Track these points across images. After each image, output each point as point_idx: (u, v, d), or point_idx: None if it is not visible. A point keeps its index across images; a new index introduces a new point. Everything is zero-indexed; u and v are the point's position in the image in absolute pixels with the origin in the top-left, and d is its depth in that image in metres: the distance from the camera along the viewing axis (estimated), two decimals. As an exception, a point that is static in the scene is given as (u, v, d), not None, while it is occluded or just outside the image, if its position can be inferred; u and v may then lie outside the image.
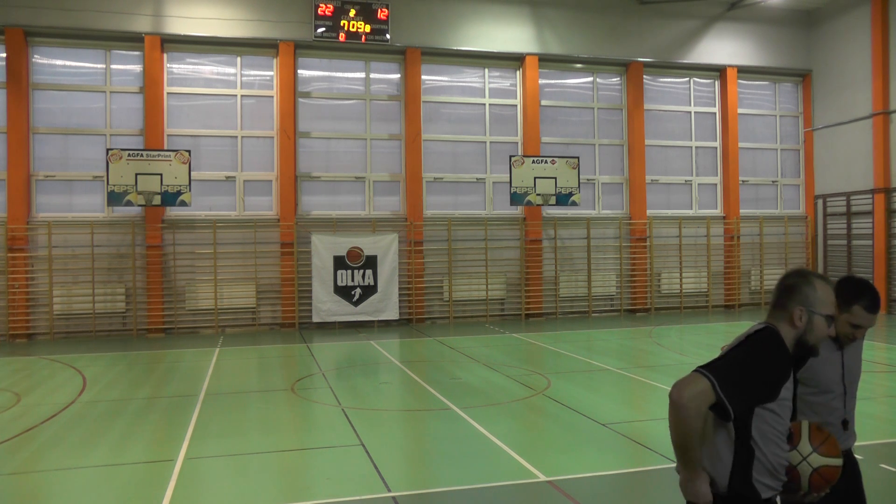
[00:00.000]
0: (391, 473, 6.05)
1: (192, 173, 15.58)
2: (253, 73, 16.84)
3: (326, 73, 17.32)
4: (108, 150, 15.00)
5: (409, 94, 17.25)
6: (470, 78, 18.10)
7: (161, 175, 15.00)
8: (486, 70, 18.11)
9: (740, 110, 19.78)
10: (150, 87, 15.81)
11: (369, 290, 16.39)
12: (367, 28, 16.61)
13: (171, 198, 15.09)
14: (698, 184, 19.65)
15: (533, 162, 17.05)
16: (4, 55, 15.29)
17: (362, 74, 17.46)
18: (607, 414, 7.98)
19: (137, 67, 16.12)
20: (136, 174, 14.89)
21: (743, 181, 19.83)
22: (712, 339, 14.24)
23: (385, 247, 16.51)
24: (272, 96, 16.84)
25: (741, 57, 19.51)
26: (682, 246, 19.08)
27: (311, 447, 6.99)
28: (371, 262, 16.39)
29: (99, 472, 6.32)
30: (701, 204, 19.66)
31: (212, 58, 16.60)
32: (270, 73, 16.88)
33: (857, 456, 3.58)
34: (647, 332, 15.12)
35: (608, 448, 6.77)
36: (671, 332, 15.27)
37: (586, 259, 18.24)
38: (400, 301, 16.73)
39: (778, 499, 2.68)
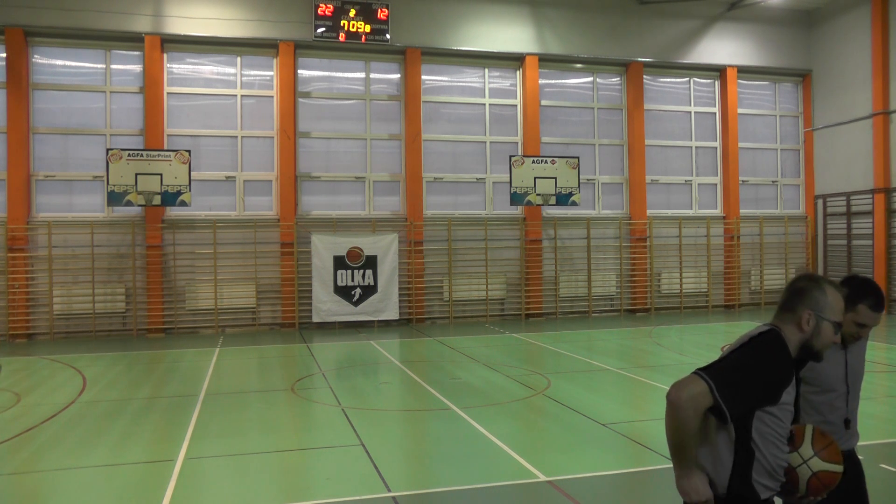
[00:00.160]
0: (391, 473, 6.05)
1: (192, 173, 15.58)
2: (253, 73, 16.84)
3: (326, 73, 17.32)
4: (108, 150, 15.00)
5: (409, 94, 17.25)
6: (470, 78, 18.10)
7: (161, 175, 15.00)
8: (486, 70, 18.11)
9: (740, 110, 19.78)
10: (150, 87, 15.81)
11: (369, 290, 16.39)
12: (367, 28, 16.61)
13: (171, 198, 15.09)
14: (698, 184, 19.65)
15: (533, 162, 17.05)
16: (4, 55, 15.29)
17: (362, 74, 17.46)
18: (607, 414, 7.98)
19: (137, 67, 16.12)
20: (136, 174, 14.89)
21: (743, 181, 19.83)
22: (712, 339, 14.24)
23: (385, 247, 16.51)
24: (272, 96, 16.84)
25: (741, 57, 19.51)
26: (682, 246, 19.08)
27: (311, 447, 6.99)
28: (371, 262, 16.39)
29: (99, 472, 6.32)
30: (701, 204, 19.66)
31: (212, 58, 16.60)
32: (270, 73, 16.88)
33: (857, 456, 3.58)
34: (647, 332, 15.12)
35: (608, 448, 6.77)
36: (671, 332, 15.27)
37: (586, 259, 18.24)
38: (400, 301, 16.73)
39: (775, 499, 2.68)
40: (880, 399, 8.47)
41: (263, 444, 7.05)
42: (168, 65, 16.30)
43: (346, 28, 16.50)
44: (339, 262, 16.25)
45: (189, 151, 15.34)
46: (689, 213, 19.47)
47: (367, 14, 16.59)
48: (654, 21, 18.78)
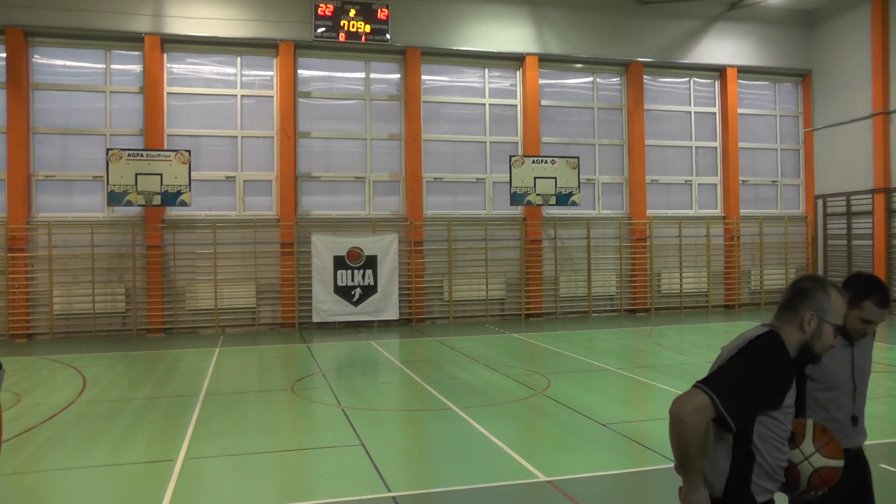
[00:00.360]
0: (391, 473, 6.05)
1: (192, 173, 15.58)
2: (253, 73, 16.84)
3: (326, 73, 17.32)
4: (108, 150, 15.00)
5: (409, 94, 17.25)
6: (470, 78, 18.10)
7: (161, 175, 15.00)
8: (486, 70, 18.11)
9: (740, 110, 19.78)
10: (150, 87, 15.81)
11: (369, 290, 16.39)
12: (367, 28, 16.61)
13: (171, 198, 15.09)
14: (698, 184, 19.65)
15: (533, 162, 17.05)
16: (4, 55, 15.29)
17: (362, 74, 17.46)
18: (607, 414, 7.98)
19: (137, 67, 16.12)
20: (136, 174, 14.89)
21: (743, 181, 19.83)
22: (712, 339, 14.24)
23: (385, 247, 16.51)
24: (272, 96, 16.84)
25: (741, 57, 19.51)
26: (682, 246, 19.08)
27: (311, 447, 6.99)
28: (371, 262, 16.39)
29: (99, 472, 6.32)
30: (701, 204, 19.66)
31: (212, 58, 16.60)
32: (270, 73, 16.88)
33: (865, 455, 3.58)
34: (647, 332, 15.12)
35: (608, 448, 6.77)
36: (671, 332, 15.27)
37: (586, 259, 18.24)
38: (400, 301, 16.73)
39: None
40: (880, 399, 8.47)
41: (263, 444, 7.05)
42: (168, 65, 16.30)
43: (346, 28, 16.50)
44: (339, 262, 16.25)
45: (189, 151, 15.34)
46: (689, 213, 19.47)
47: (367, 14, 16.59)
48: (654, 21, 18.78)
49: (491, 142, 18.10)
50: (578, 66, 18.69)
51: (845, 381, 3.37)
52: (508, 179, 17.18)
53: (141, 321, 15.70)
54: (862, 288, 3.29)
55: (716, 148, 19.83)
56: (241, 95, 16.71)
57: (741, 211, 19.59)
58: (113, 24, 15.58)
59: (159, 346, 14.22)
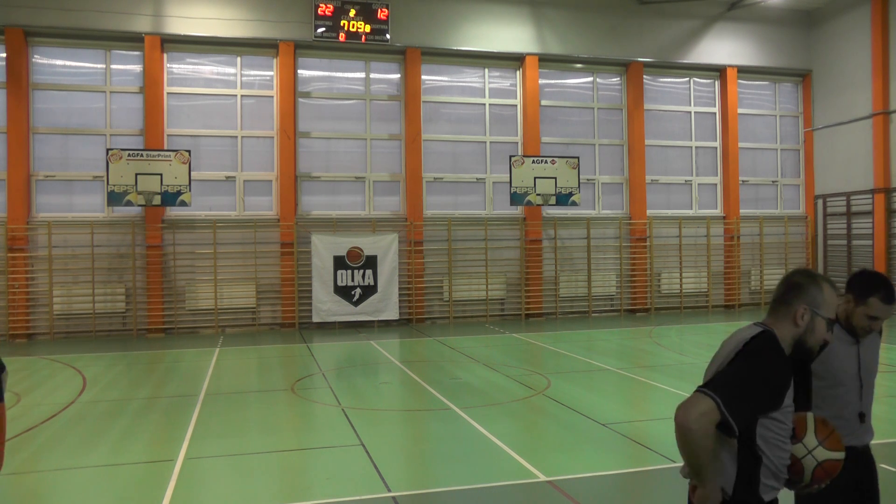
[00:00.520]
0: (391, 473, 6.05)
1: (192, 173, 15.58)
2: (253, 73, 16.84)
3: (326, 73, 17.32)
4: (108, 150, 15.00)
5: (409, 94, 17.25)
6: (470, 78, 18.10)
7: (161, 175, 15.00)
8: (486, 70, 18.11)
9: (740, 110, 19.78)
10: (150, 87, 15.81)
11: (369, 290, 16.39)
12: (367, 28, 16.61)
13: (171, 198, 15.09)
14: (698, 184, 19.65)
15: (533, 162, 17.06)
16: (4, 55, 15.29)
17: (362, 74, 17.46)
18: (607, 414, 7.98)
19: (137, 67, 16.12)
20: (136, 174, 14.89)
21: (743, 181, 19.83)
22: (712, 339, 14.23)
23: (385, 247, 16.51)
24: (272, 96, 16.84)
25: (741, 57, 19.51)
26: (682, 246, 19.08)
27: (311, 447, 6.99)
28: (371, 262, 16.39)
29: (99, 472, 6.32)
30: (701, 204, 19.66)
31: (212, 58, 16.60)
32: (270, 73, 16.88)
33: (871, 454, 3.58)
34: (647, 332, 15.12)
35: (608, 448, 6.77)
36: (671, 332, 15.27)
37: (586, 259, 18.24)
38: (400, 301, 16.73)
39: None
40: (881, 399, 8.47)
41: (263, 444, 7.05)
42: (168, 65, 16.30)
43: (346, 28, 16.49)
44: (339, 262, 16.25)
45: (189, 151, 15.34)
46: (689, 213, 19.47)
47: (367, 14, 16.59)
48: (654, 21, 18.78)
49: (491, 142, 18.10)
50: (578, 66, 18.69)
51: (851, 378, 3.38)
52: (508, 179, 17.18)
53: (141, 321, 15.70)
54: (867, 284, 3.32)
55: (716, 148, 19.83)
56: (241, 95, 16.71)
57: (741, 211, 19.59)
58: (113, 24, 15.58)
59: (159, 346, 14.22)
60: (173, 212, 16.02)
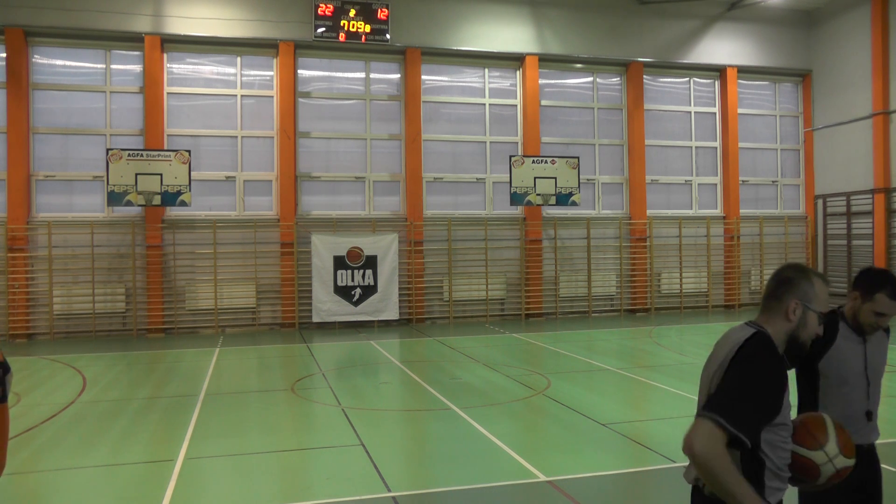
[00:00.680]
0: (391, 473, 6.04)
1: (192, 173, 15.58)
2: (253, 73, 16.84)
3: (326, 73, 17.32)
4: (108, 150, 15.00)
5: (409, 94, 17.25)
6: (470, 78, 18.10)
7: (161, 175, 15.00)
8: (486, 70, 18.11)
9: (740, 110, 19.78)
10: (150, 87, 15.81)
11: (369, 290, 16.39)
12: (367, 28, 16.60)
13: (171, 198, 15.09)
14: (698, 184, 19.65)
15: (533, 162, 17.05)
16: (4, 55, 15.29)
17: (362, 74, 17.46)
18: (607, 414, 7.98)
19: (137, 67, 16.12)
20: (136, 174, 14.89)
21: (743, 181, 19.82)
22: (712, 339, 14.18)
23: (385, 247, 16.51)
24: (272, 96, 16.84)
25: (741, 57, 19.51)
26: (682, 246, 19.08)
27: (311, 447, 6.99)
28: (371, 262, 16.39)
29: (99, 472, 6.32)
30: (701, 204, 19.66)
31: (212, 58, 16.60)
32: (270, 73, 16.88)
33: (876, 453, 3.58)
34: (647, 332, 15.12)
35: (608, 448, 6.77)
36: (671, 332, 15.27)
37: (586, 259, 18.24)
38: (400, 301, 16.73)
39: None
40: (882, 399, 8.46)
41: (263, 444, 7.05)
42: (168, 65, 16.30)
43: (346, 28, 16.49)
44: (339, 262, 16.25)
45: (189, 151, 15.34)
46: (689, 213, 19.47)
47: (367, 14, 16.59)
48: (654, 21, 18.78)
49: (491, 142, 18.10)
50: (578, 66, 18.69)
51: (858, 376, 3.39)
52: (508, 179, 17.18)
53: (141, 321, 15.70)
54: (874, 281, 3.34)
55: (716, 148, 19.83)
56: (241, 95, 16.71)
57: (741, 211, 19.59)
58: (113, 24, 15.58)
59: (159, 346, 14.22)
60: (173, 212, 16.02)
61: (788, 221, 20.10)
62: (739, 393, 2.42)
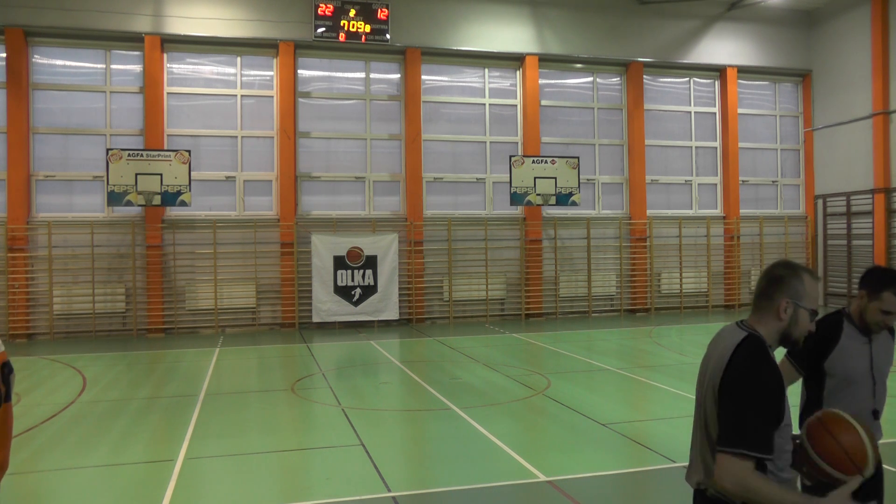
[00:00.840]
0: (391, 473, 6.04)
1: (192, 173, 15.57)
2: (253, 73, 16.84)
3: (326, 73, 17.32)
4: (108, 150, 15.00)
5: (409, 94, 17.24)
6: (470, 78, 18.10)
7: (161, 175, 15.00)
8: (486, 70, 18.10)
9: (740, 110, 19.78)
10: (150, 87, 15.81)
11: (369, 290, 16.39)
12: (367, 28, 16.60)
13: (171, 198, 15.09)
14: (698, 184, 19.65)
15: (533, 162, 17.05)
16: (4, 55, 15.29)
17: (362, 74, 17.46)
18: (607, 414, 7.98)
19: (137, 67, 16.11)
20: (136, 174, 14.89)
21: (743, 181, 19.82)
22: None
23: (385, 247, 16.51)
24: (272, 96, 16.84)
25: (741, 57, 19.51)
26: (682, 246, 19.08)
27: (311, 447, 6.99)
28: (371, 262, 16.39)
29: (99, 472, 6.32)
30: (701, 204, 19.66)
31: (212, 58, 16.59)
32: (270, 73, 16.87)
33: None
34: (647, 332, 15.12)
35: (608, 448, 6.77)
36: (671, 332, 15.27)
37: (586, 259, 18.24)
38: (400, 301, 16.73)
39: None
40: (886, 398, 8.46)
41: (263, 444, 7.05)
42: (168, 65, 16.30)
43: (346, 28, 16.49)
44: (339, 262, 16.25)
45: (189, 151, 15.34)
46: (689, 213, 19.47)
47: (367, 14, 16.59)
48: (654, 21, 18.78)
49: (491, 142, 18.10)
50: (578, 66, 18.69)
51: (864, 375, 3.40)
52: (508, 179, 17.17)
53: (141, 321, 15.70)
54: (880, 279, 3.37)
55: (716, 148, 19.83)
56: (241, 95, 16.70)
57: (741, 211, 19.59)
58: (113, 24, 15.58)
59: (159, 346, 14.22)
60: (173, 212, 16.02)
61: (788, 221, 20.10)
62: (746, 414, 2.41)
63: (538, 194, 17.02)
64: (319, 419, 8.13)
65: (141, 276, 15.73)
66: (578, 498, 5.43)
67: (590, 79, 18.90)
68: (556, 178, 17.11)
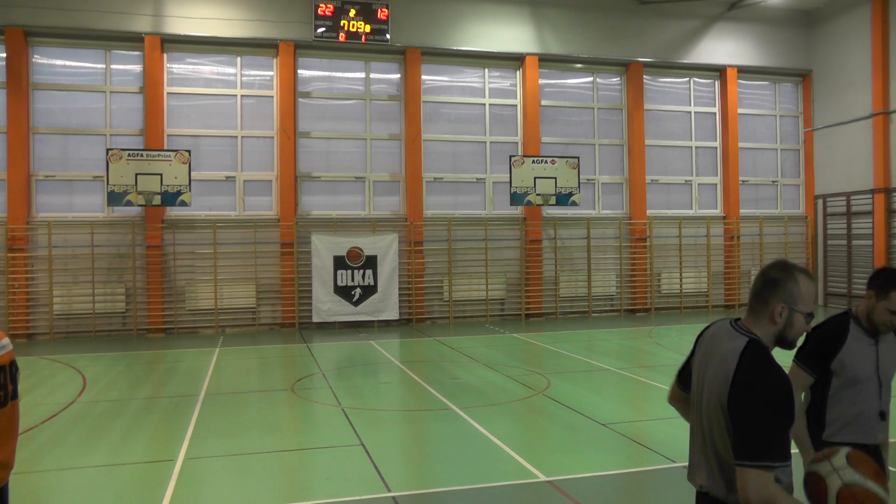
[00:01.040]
0: (391, 473, 6.05)
1: (192, 173, 15.58)
2: (253, 73, 16.84)
3: (326, 73, 17.32)
4: (108, 150, 15.00)
5: (409, 94, 17.24)
6: (470, 78, 18.10)
7: (161, 175, 15.00)
8: (486, 70, 18.10)
9: (740, 110, 19.78)
10: (150, 87, 15.81)
11: (369, 290, 16.39)
12: (367, 28, 16.61)
13: (171, 198, 15.09)
14: (698, 184, 19.65)
15: (533, 162, 17.05)
16: (4, 55, 15.29)
17: (362, 74, 17.46)
18: (607, 414, 7.98)
19: (137, 67, 16.12)
20: (136, 174, 14.89)
21: (743, 181, 19.82)
22: (712, 339, 14.22)
23: (385, 247, 16.50)
24: (272, 96, 16.84)
25: (741, 57, 19.51)
26: (682, 246, 19.08)
27: (311, 447, 6.99)
28: (371, 262, 16.39)
29: (99, 472, 6.32)
30: (701, 204, 19.66)
31: (212, 58, 16.60)
32: (270, 73, 16.87)
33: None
34: (647, 332, 15.12)
35: (608, 448, 6.77)
36: (671, 332, 15.27)
37: (586, 259, 18.24)
38: (400, 301, 16.73)
39: None
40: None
41: (263, 444, 7.05)
42: (168, 65, 16.30)
43: (346, 28, 16.49)
44: (339, 262, 16.25)
45: (189, 151, 15.34)
46: (689, 213, 19.47)
47: (367, 14, 16.59)
48: (654, 21, 18.78)
49: (491, 142, 18.10)
50: (578, 66, 18.69)
51: (869, 376, 3.41)
52: (508, 179, 17.17)
53: (141, 321, 15.70)
54: (888, 280, 3.38)
55: (716, 148, 19.83)
56: (241, 95, 16.71)
57: (741, 211, 19.59)
58: (113, 24, 15.58)
59: (159, 346, 14.22)
60: (173, 212, 16.02)
61: (788, 221, 20.10)
62: (764, 427, 2.40)
63: (538, 194, 17.02)
64: (319, 419, 8.13)
65: (141, 276, 15.73)
66: (578, 498, 5.43)
67: (590, 79, 18.90)
68: (556, 178, 17.11)
